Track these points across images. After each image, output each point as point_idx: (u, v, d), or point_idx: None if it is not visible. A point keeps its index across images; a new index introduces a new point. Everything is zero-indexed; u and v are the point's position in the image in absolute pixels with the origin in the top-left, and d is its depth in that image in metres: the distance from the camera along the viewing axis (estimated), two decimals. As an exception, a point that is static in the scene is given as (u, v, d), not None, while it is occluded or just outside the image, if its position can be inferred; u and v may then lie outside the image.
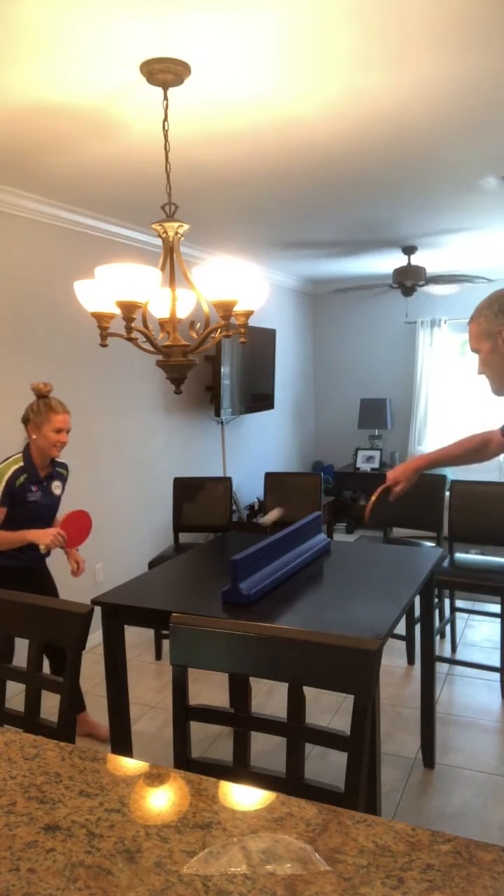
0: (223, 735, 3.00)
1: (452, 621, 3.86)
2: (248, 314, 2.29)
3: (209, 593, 2.29)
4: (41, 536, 2.63)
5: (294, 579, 2.41)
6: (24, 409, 2.76)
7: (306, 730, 1.35)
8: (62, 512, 2.89)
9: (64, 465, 2.92)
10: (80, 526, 2.80)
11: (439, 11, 1.82)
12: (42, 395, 2.73)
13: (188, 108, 2.42)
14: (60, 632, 1.58)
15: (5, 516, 2.66)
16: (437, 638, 3.96)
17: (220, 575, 2.49)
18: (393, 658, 3.76)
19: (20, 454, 2.73)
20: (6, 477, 2.65)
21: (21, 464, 2.69)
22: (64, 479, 2.90)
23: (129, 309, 1.99)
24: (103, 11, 1.77)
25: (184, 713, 1.44)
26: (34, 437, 2.71)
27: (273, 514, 3.78)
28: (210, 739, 2.98)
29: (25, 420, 2.74)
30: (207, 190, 3.46)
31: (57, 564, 3.09)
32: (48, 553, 2.83)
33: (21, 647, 1.72)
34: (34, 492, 2.72)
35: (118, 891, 0.90)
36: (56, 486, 2.84)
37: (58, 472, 2.87)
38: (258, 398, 5.76)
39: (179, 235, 2.18)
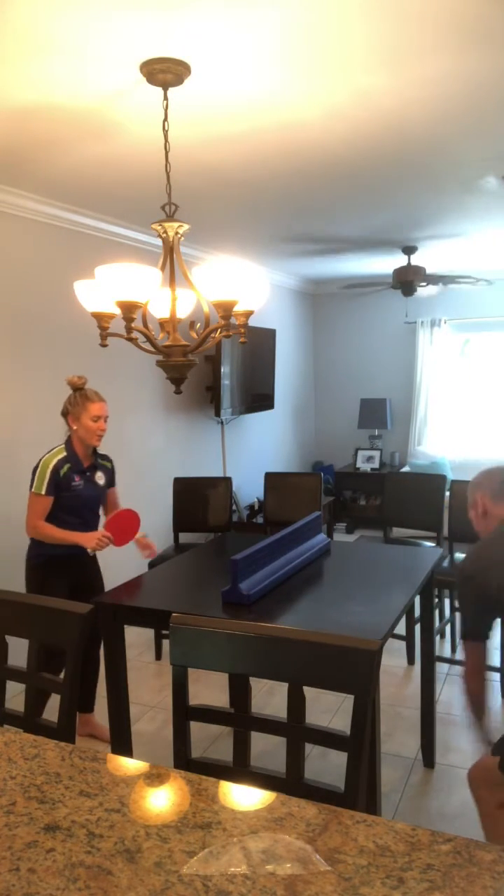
0: (223, 735, 3.00)
1: (452, 621, 3.86)
2: (248, 314, 2.29)
3: (209, 593, 2.29)
4: (87, 540, 2.72)
5: (294, 579, 2.41)
6: (62, 403, 2.83)
7: (306, 730, 1.35)
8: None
9: (107, 458, 2.99)
10: (125, 525, 2.85)
11: (440, 11, 1.82)
12: (77, 388, 2.81)
13: (188, 107, 2.42)
14: (60, 632, 1.58)
15: (51, 505, 2.73)
16: (437, 638, 3.96)
17: (220, 575, 2.49)
18: (393, 658, 3.75)
19: (63, 446, 2.80)
20: (51, 466, 2.72)
21: (64, 454, 2.77)
22: (107, 471, 2.97)
23: (129, 309, 1.99)
24: (103, 11, 1.77)
25: (184, 713, 1.44)
26: (74, 427, 2.79)
27: None
28: (210, 739, 2.98)
29: (65, 413, 2.82)
30: (207, 190, 3.46)
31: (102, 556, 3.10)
32: None
33: (23, 647, 1.71)
34: (77, 481, 2.79)
35: (118, 891, 0.90)
36: (99, 477, 2.91)
37: (101, 463, 2.93)
38: (258, 398, 5.76)
39: (179, 235, 2.18)
